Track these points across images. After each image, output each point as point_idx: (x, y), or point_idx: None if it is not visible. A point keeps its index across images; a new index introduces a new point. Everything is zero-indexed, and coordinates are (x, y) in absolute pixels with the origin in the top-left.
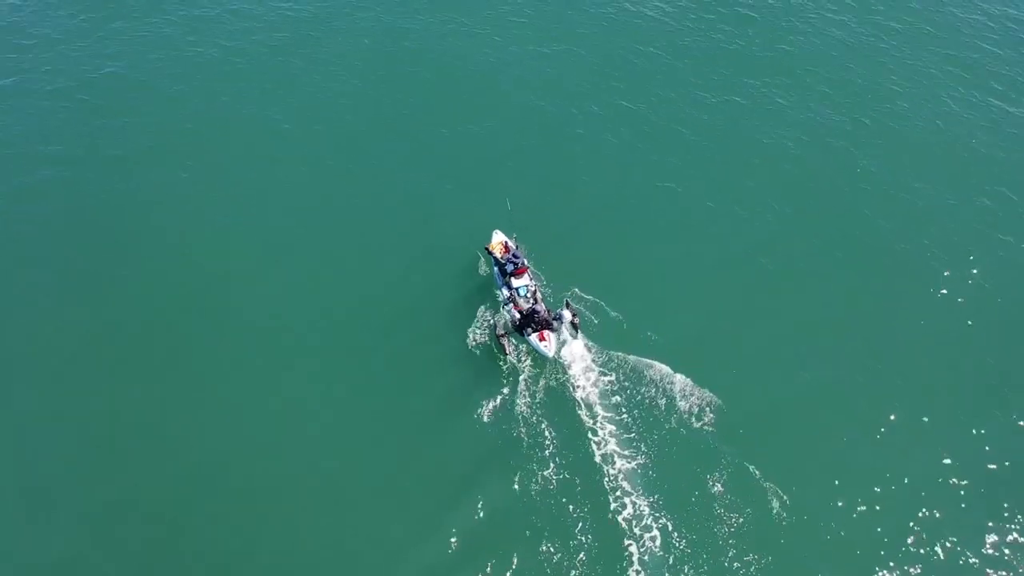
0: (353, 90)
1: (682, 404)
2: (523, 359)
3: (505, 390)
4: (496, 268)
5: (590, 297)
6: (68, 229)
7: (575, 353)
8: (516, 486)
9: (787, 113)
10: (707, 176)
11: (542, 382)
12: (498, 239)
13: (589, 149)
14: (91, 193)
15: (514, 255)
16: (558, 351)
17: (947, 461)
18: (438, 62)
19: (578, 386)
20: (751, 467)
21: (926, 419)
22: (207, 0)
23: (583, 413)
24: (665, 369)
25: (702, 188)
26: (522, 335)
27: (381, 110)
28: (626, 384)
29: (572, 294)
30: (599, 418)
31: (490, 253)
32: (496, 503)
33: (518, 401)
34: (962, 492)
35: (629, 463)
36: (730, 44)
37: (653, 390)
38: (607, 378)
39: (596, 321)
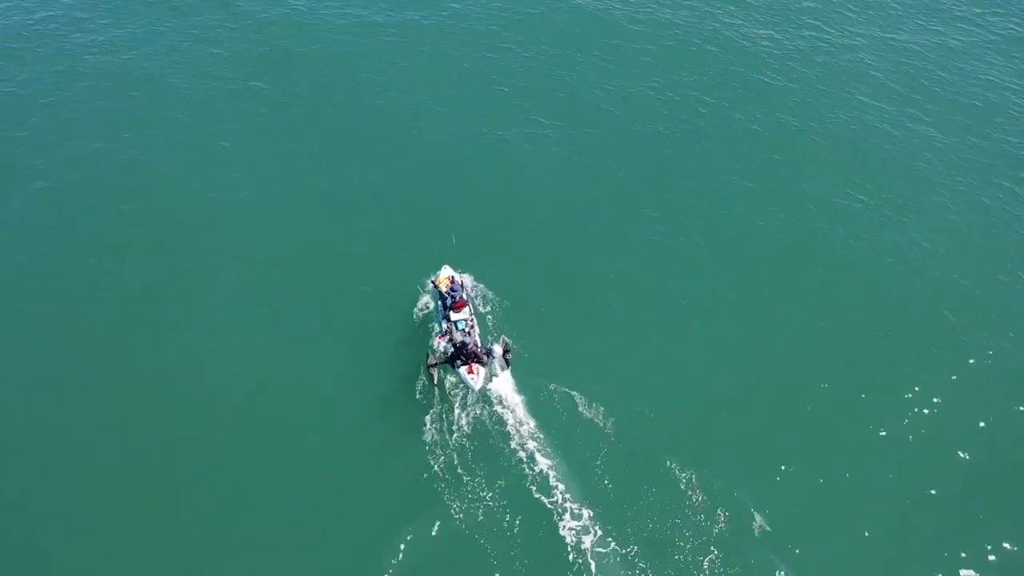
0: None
1: (587, 414)
2: (452, 389)
3: (432, 420)
4: (440, 301)
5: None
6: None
7: (501, 386)
8: (447, 513)
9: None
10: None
11: (469, 411)
12: (446, 273)
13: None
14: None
15: (452, 289)
16: (486, 384)
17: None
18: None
19: (509, 414)
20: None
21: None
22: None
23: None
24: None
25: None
26: (452, 367)
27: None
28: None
29: (503, 333)
30: (527, 437)
31: (436, 286)
32: (429, 528)
33: (439, 432)
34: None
35: (551, 460)
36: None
37: (576, 415)
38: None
39: (527, 355)
